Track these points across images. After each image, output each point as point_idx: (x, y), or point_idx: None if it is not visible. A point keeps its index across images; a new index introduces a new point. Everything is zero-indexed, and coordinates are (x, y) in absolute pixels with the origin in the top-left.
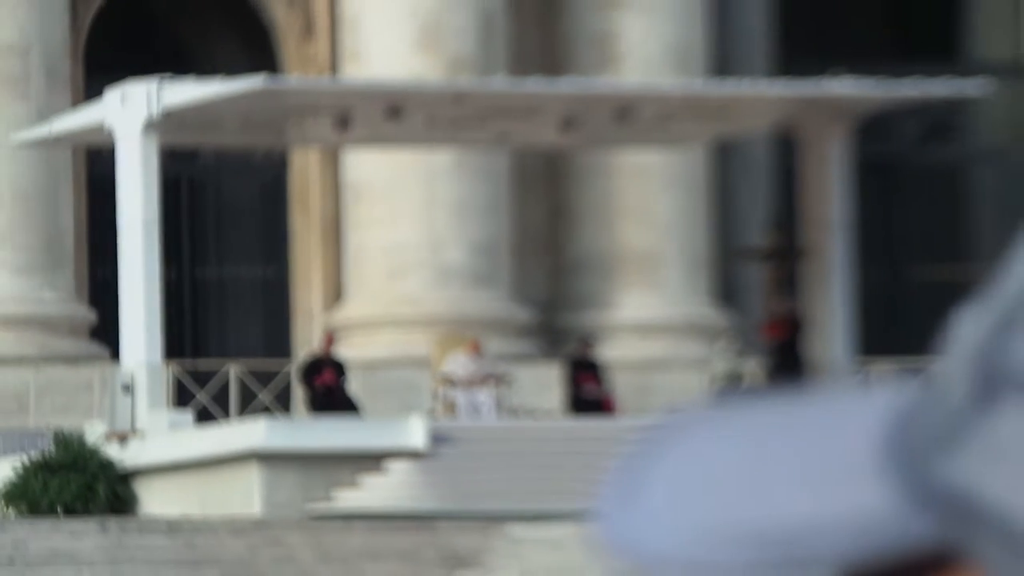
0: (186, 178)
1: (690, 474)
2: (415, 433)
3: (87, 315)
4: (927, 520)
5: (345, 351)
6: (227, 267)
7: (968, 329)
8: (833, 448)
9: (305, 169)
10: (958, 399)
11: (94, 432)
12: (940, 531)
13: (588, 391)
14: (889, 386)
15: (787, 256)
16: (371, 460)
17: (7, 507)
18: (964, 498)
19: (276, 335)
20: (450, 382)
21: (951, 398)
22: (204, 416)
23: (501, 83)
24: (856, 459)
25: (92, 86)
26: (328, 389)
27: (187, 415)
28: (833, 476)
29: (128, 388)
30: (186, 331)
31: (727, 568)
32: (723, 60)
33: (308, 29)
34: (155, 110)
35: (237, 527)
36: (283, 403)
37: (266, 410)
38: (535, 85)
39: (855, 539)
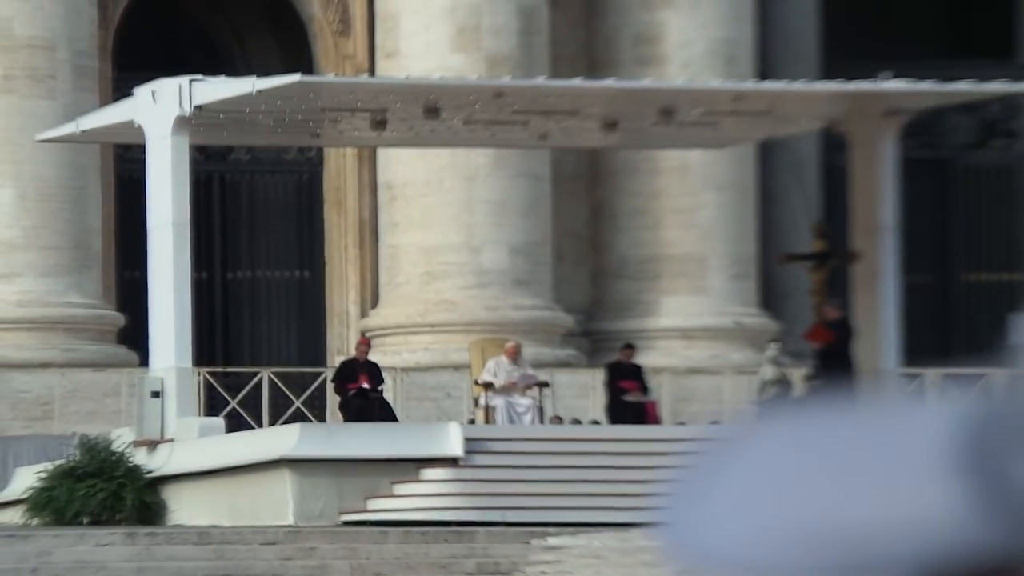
0: (218, 177)
1: (756, 479)
2: (452, 440)
3: (115, 318)
4: (1001, 526)
5: (381, 356)
6: (260, 269)
7: None
8: (900, 453)
9: (340, 169)
10: None
11: (122, 439)
12: (1015, 537)
13: (630, 397)
14: (953, 395)
15: (835, 259)
16: (407, 468)
17: (32, 516)
18: None
19: (310, 339)
20: (489, 388)
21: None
22: (236, 423)
23: (542, 81)
24: (924, 464)
25: (121, 84)
26: (363, 395)
27: (218, 422)
28: (901, 480)
29: (157, 394)
30: (217, 335)
31: (794, 570)
32: (769, 61)
33: (345, 26)
34: (186, 108)
35: (269, 536)
36: (317, 409)
37: (299, 416)
38: (577, 83)
39: (924, 542)
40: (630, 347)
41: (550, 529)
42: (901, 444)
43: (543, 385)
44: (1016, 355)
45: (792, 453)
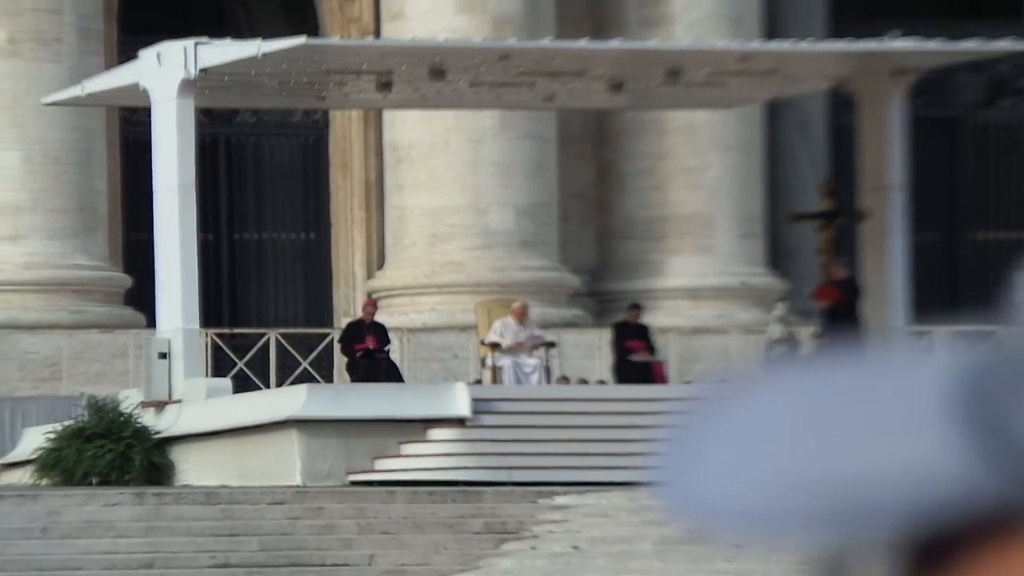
0: (223, 140)
1: (752, 430)
2: (459, 400)
3: (122, 280)
4: (998, 473)
5: (387, 317)
6: (266, 231)
7: None
8: (898, 403)
9: (346, 131)
10: None
11: (129, 400)
12: (1012, 485)
13: (637, 357)
14: (952, 346)
15: (842, 218)
16: (414, 428)
17: (40, 476)
18: None
19: (316, 301)
20: (496, 348)
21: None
22: (243, 384)
23: (548, 43)
24: (922, 413)
25: (127, 47)
26: (370, 355)
27: (225, 383)
28: (898, 428)
29: (164, 355)
30: (224, 297)
31: (791, 518)
32: (776, 21)
33: None
34: (192, 70)
35: (277, 496)
36: (324, 370)
37: (306, 377)
38: (583, 44)
39: (921, 489)
40: (636, 307)
41: (557, 488)
42: (899, 394)
43: (550, 345)
44: (1017, 312)
45: (788, 404)
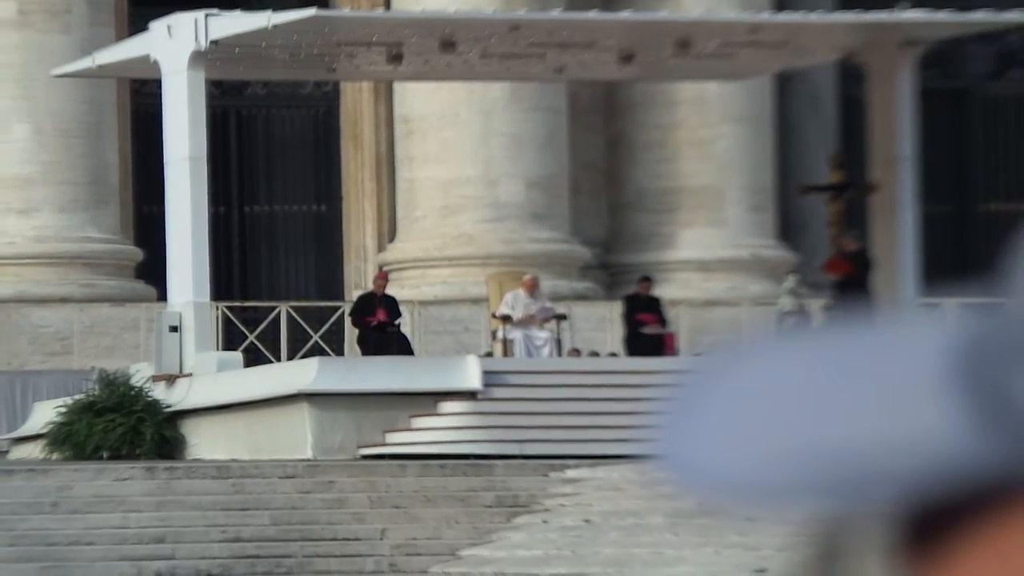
0: (234, 112)
1: (750, 399)
2: (470, 373)
3: (133, 253)
4: (998, 441)
5: (398, 290)
6: (277, 204)
7: None
8: (898, 372)
9: (357, 103)
10: None
11: (140, 373)
12: (1011, 453)
13: (648, 330)
14: (954, 316)
15: (852, 191)
16: (425, 401)
17: (52, 450)
18: None
19: (327, 274)
20: (507, 321)
21: (1022, 321)
22: (254, 357)
23: (558, 14)
24: (921, 381)
25: (137, 18)
26: (381, 328)
27: (236, 356)
28: (898, 398)
29: (175, 328)
30: (235, 270)
31: (794, 490)
32: None
33: None
34: (202, 42)
35: (288, 470)
36: (335, 343)
37: (317, 351)
38: (593, 16)
39: (921, 458)
40: (647, 280)
41: (568, 462)
42: (899, 363)
43: (561, 318)
44: (1017, 281)
45: (789, 375)
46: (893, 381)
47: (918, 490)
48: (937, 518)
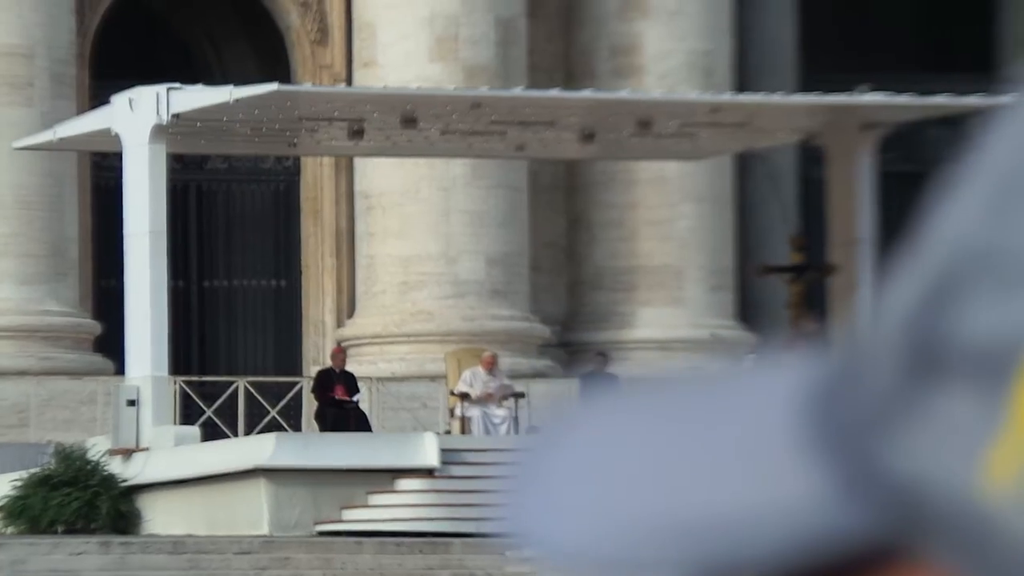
0: (195, 186)
1: (597, 466)
2: (428, 450)
3: (92, 326)
4: (864, 510)
5: (357, 366)
6: (236, 278)
7: (895, 298)
8: (746, 431)
9: (317, 178)
10: (888, 374)
11: (97, 447)
12: (880, 523)
13: None
14: (797, 359)
15: (812, 272)
16: (383, 478)
17: (6, 524)
18: (913, 486)
19: (286, 349)
20: (465, 398)
21: (879, 373)
22: (211, 432)
23: (520, 92)
24: (773, 443)
25: (99, 91)
26: (339, 404)
27: (193, 430)
28: (750, 462)
29: (133, 402)
30: (193, 344)
31: (652, 565)
32: (747, 73)
33: (322, 35)
34: (164, 116)
35: (244, 546)
36: (292, 419)
37: (275, 426)
38: (554, 94)
39: (782, 532)
40: (602, 355)
41: None
42: (749, 416)
43: (519, 396)
44: (875, 319)
45: (631, 434)
46: (743, 442)
47: (780, 563)
48: None
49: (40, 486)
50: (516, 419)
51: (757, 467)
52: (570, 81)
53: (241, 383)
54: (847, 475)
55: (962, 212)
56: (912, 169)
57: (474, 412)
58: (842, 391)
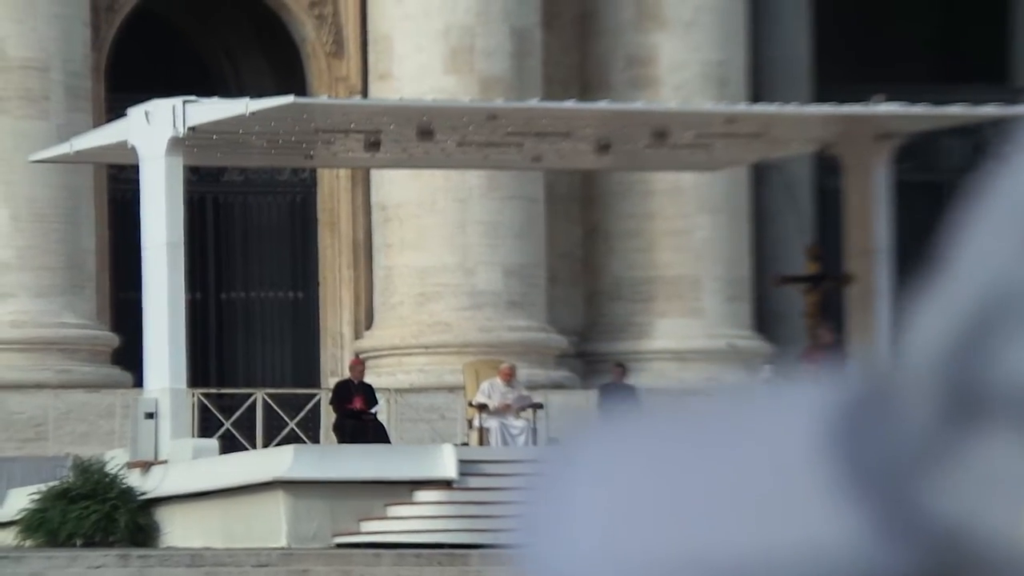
0: (211, 198)
1: (615, 494)
2: (446, 462)
3: (109, 339)
4: (904, 552)
5: (375, 377)
6: (254, 290)
7: (927, 334)
8: (770, 463)
9: (334, 190)
10: (925, 415)
11: (115, 460)
12: (920, 566)
13: None
14: (818, 382)
15: (829, 282)
16: (401, 490)
17: (25, 538)
18: (956, 530)
19: (304, 360)
20: (483, 409)
21: (914, 413)
22: (229, 444)
23: (536, 104)
24: (799, 477)
25: (114, 104)
26: (357, 416)
27: (212, 443)
28: (776, 497)
29: (151, 415)
30: (211, 356)
31: None
32: (762, 84)
33: (338, 48)
34: (180, 129)
35: (262, 559)
36: (310, 431)
37: (293, 438)
38: (570, 105)
39: (816, 573)
40: (621, 366)
41: None
42: (773, 449)
43: (537, 407)
44: (909, 357)
45: (654, 463)
46: (771, 474)
47: None
48: None
49: (58, 499)
50: (534, 430)
51: (784, 504)
52: (586, 92)
53: (259, 395)
54: (884, 516)
55: (994, 249)
56: (928, 179)
57: (492, 423)
58: (873, 428)
